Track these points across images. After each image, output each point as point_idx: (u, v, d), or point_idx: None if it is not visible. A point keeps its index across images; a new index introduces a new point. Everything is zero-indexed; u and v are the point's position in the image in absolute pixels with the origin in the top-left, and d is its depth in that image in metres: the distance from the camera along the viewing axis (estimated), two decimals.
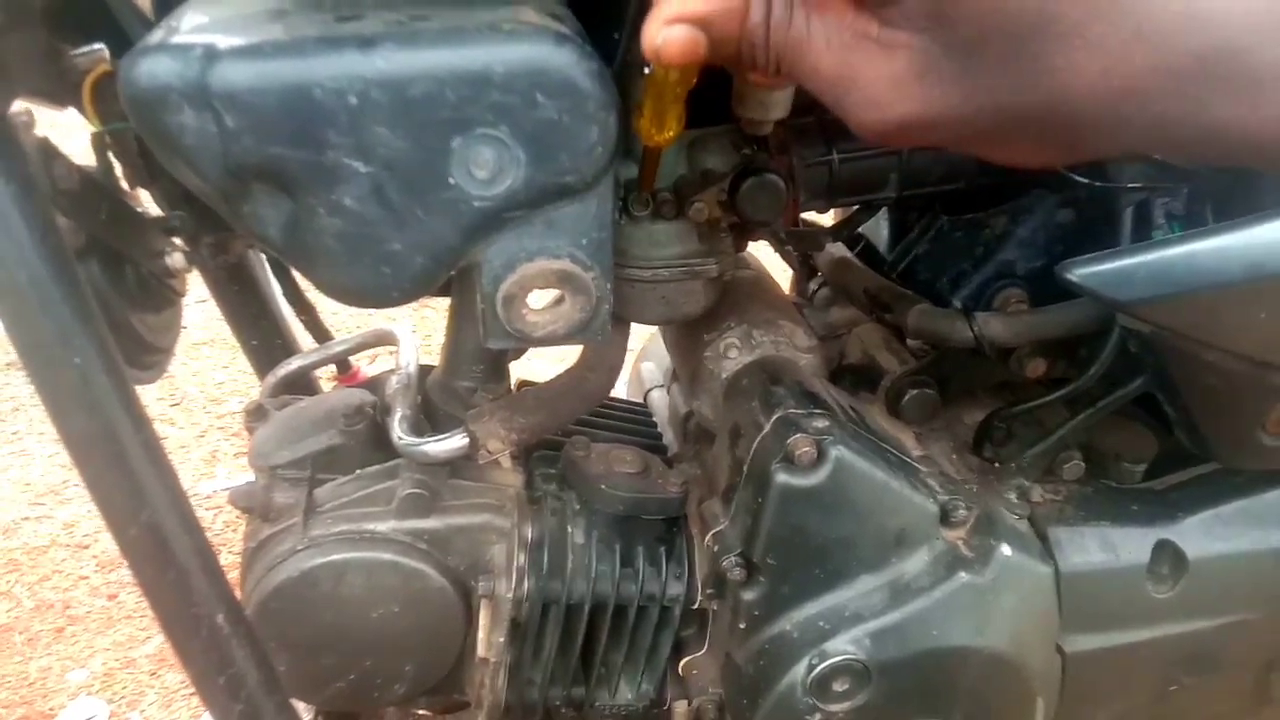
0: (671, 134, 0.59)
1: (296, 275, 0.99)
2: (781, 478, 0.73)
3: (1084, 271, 0.68)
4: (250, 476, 0.79)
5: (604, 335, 0.62)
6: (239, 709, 0.68)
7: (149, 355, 0.75)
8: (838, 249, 0.92)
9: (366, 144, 0.51)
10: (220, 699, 0.67)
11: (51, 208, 0.54)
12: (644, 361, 1.13)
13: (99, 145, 0.71)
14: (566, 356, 0.79)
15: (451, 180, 0.53)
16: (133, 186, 0.75)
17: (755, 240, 0.85)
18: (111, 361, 0.57)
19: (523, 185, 0.54)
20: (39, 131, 0.67)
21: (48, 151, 0.64)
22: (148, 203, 0.79)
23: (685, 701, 0.84)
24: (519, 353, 0.87)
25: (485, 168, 0.53)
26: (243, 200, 0.54)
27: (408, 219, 0.54)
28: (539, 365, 1.86)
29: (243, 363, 2.29)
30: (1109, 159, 0.75)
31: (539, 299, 0.61)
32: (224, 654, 0.66)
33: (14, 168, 0.53)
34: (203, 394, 2.18)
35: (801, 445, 0.72)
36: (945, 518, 0.75)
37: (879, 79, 0.43)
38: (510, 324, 0.59)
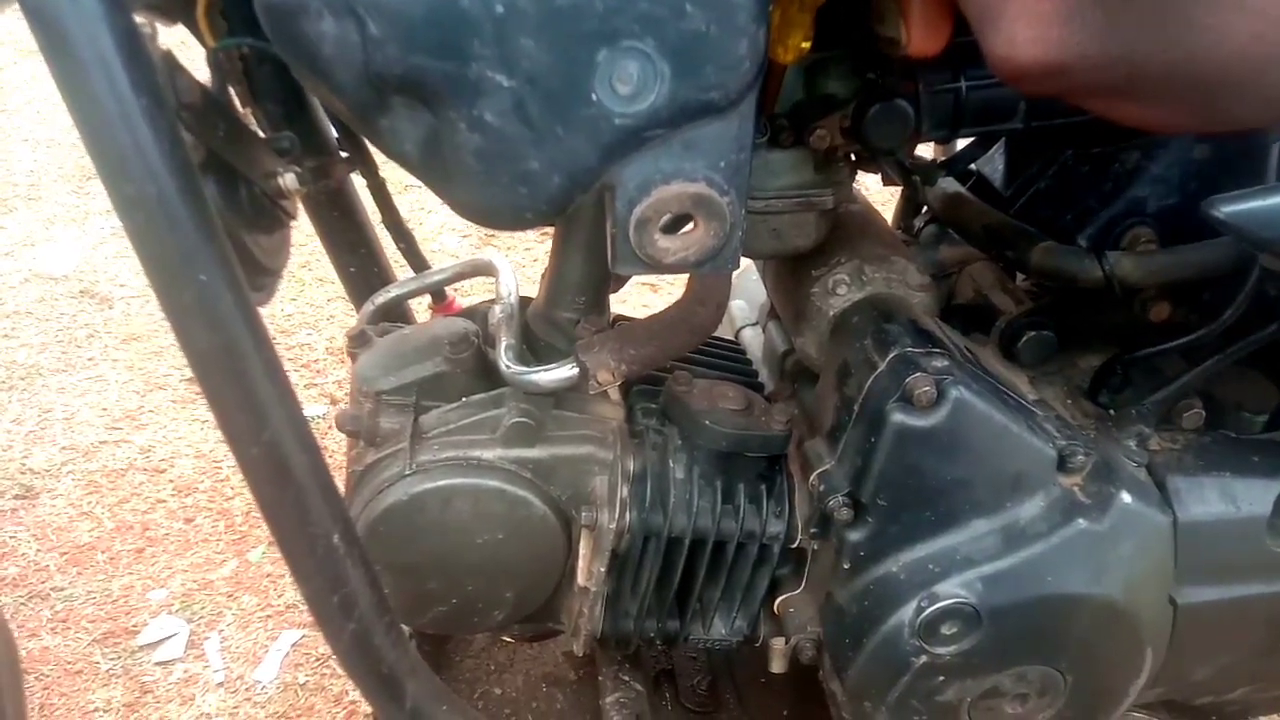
0: (802, 48, 0.56)
1: (408, 199, 0.98)
2: (898, 417, 0.71)
3: (1232, 209, 0.64)
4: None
5: (735, 263, 0.60)
6: (351, 628, 0.69)
7: (261, 277, 0.74)
8: (950, 184, 0.88)
9: (510, 56, 0.49)
10: (334, 618, 0.68)
11: (178, 122, 0.53)
12: (735, 299, 1.11)
13: (214, 62, 0.70)
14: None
15: (594, 96, 0.51)
16: (244, 106, 0.74)
17: (868, 172, 0.82)
18: (235, 279, 0.56)
19: (665, 102, 0.52)
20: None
21: (171, 65, 0.63)
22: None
23: (782, 639, 0.84)
24: (620, 284, 0.86)
25: (628, 83, 0.51)
26: (380, 114, 0.53)
27: (547, 136, 0.52)
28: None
29: (310, 295, 2.31)
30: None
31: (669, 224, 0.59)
32: (338, 573, 0.66)
33: (144, 79, 0.51)
34: (272, 325, 2.19)
35: (921, 384, 0.70)
36: (1063, 463, 0.73)
37: (1025, 14, 0.43)
38: (641, 249, 0.57)
